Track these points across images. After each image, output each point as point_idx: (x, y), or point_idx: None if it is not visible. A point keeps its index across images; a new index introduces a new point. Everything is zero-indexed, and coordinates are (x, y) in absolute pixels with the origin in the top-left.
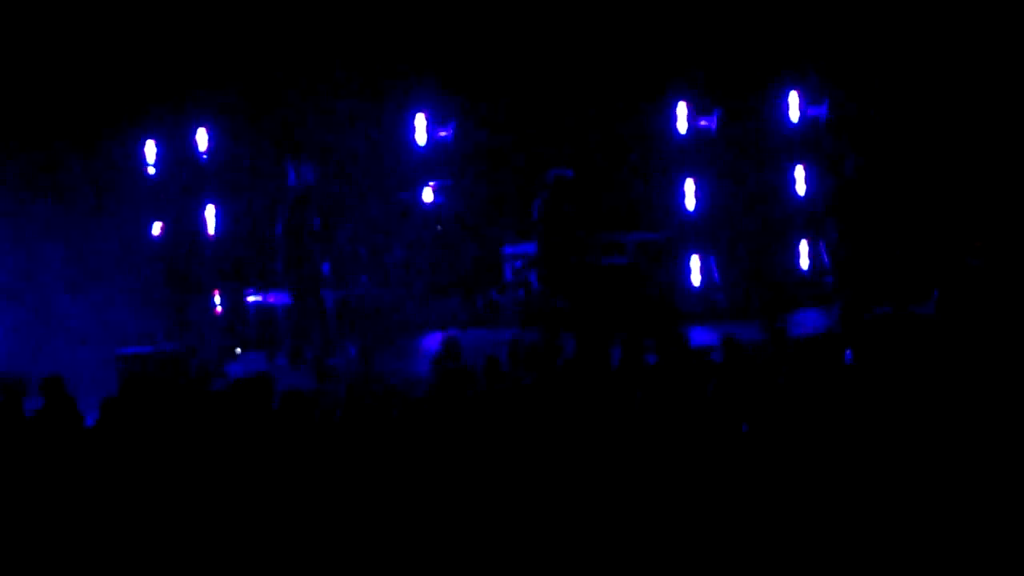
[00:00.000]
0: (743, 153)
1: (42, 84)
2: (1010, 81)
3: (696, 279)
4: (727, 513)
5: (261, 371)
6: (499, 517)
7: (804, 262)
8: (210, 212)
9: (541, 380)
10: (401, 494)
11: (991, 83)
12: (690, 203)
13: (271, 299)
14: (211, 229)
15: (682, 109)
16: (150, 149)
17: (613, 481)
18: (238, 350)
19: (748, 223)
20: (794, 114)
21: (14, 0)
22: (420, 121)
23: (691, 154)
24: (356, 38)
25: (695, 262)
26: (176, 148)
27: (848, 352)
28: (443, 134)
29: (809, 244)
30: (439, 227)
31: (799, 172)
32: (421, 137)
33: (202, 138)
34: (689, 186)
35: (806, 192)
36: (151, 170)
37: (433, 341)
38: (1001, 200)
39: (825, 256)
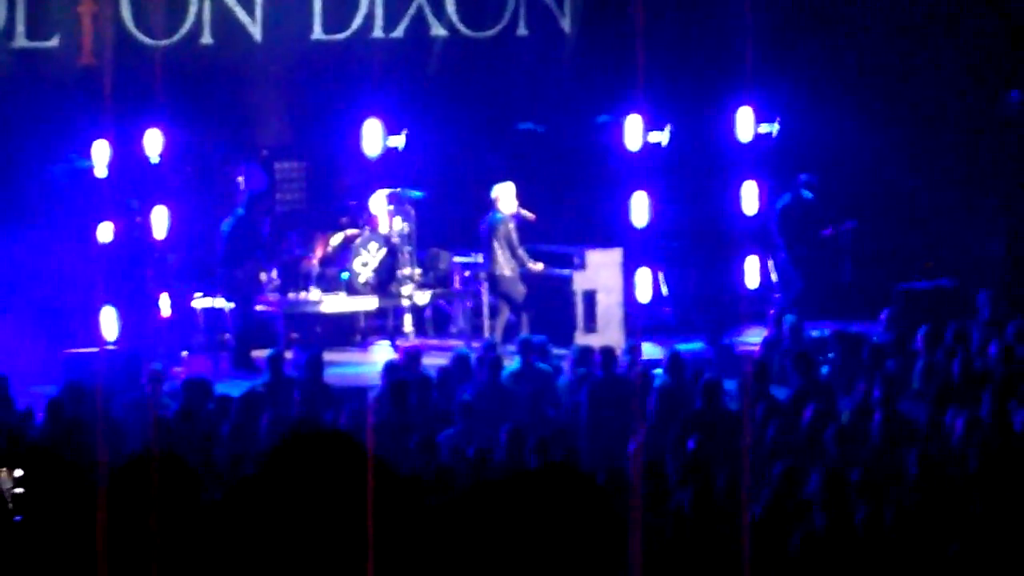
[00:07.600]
0: (694, 169)
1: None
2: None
3: (645, 294)
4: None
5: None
6: None
7: (752, 279)
8: (159, 214)
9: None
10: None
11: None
12: (640, 218)
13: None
14: (160, 232)
15: (634, 123)
16: (100, 150)
17: None
18: (184, 353)
19: (697, 238)
20: (745, 131)
21: None
22: (372, 128)
23: (642, 169)
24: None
25: (644, 276)
26: (127, 149)
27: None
28: (395, 144)
29: (760, 260)
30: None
31: (749, 188)
32: (373, 147)
33: (153, 140)
34: (639, 200)
35: (757, 209)
36: (101, 171)
37: (382, 351)
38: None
39: (773, 273)
